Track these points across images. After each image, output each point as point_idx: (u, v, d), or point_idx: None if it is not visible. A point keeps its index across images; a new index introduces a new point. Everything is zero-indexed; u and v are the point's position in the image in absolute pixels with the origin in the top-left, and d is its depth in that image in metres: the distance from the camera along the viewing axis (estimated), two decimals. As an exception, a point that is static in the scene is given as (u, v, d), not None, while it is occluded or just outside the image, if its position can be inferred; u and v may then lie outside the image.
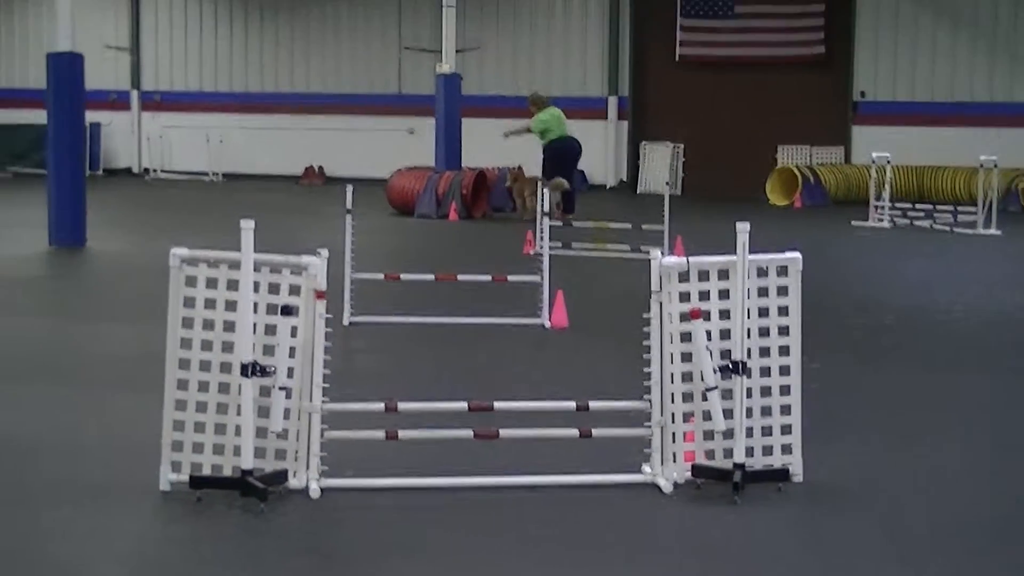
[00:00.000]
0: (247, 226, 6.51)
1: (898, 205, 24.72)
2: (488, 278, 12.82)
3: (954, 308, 13.85)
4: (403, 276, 12.91)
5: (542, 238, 13.22)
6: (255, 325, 6.64)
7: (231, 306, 6.68)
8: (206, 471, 6.68)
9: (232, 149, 36.85)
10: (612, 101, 34.97)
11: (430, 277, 13.04)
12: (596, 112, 34.88)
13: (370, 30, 36.65)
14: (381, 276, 12.74)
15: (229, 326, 6.69)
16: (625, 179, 35.03)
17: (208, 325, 6.76)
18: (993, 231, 22.38)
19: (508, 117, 34.51)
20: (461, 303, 13.11)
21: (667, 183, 20.08)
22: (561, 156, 22.87)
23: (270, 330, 6.68)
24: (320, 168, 36.33)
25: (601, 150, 34.82)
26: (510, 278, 12.95)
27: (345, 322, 11.92)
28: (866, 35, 33.14)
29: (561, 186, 21.96)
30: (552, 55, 35.39)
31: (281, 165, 36.67)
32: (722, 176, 33.44)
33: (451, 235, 21.89)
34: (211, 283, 6.75)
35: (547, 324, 12.23)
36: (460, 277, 12.81)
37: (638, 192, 33.99)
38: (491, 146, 31.71)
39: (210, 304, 6.76)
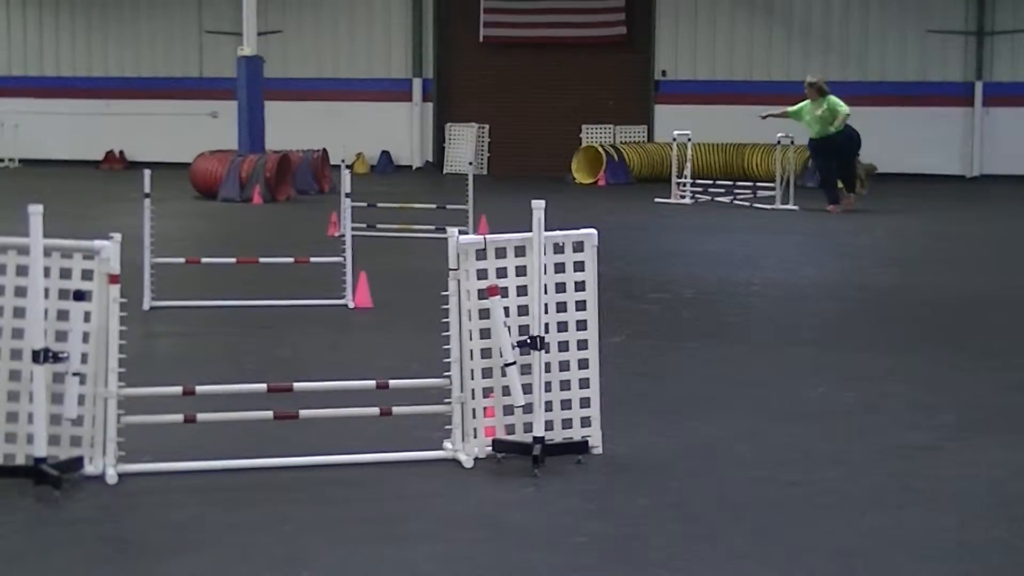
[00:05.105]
0: (35, 211, 6.38)
1: (699, 182, 25.18)
2: (291, 260, 12.74)
3: (752, 282, 14.16)
4: (204, 260, 12.77)
5: (344, 219, 13.17)
6: (46, 311, 6.51)
7: (21, 292, 6.54)
8: (-3, 461, 6.54)
9: (29, 134, 35.81)
10: (417, 83, 35.00)
11: (232, 260, 12.91)
12: (401, 94, 34.93)
13: (170, 13, 36.07)
14: (182, 260, 12.60)
15: (19, 313, 6.54)
16: (431, 160, 35.08)
17: (-4, 312, 6.61)
18: (791, 207, 22.94)
19: (312, 100, 34.52)
20: (264, 286, 13.01)
21: (470, 163, 20.09)
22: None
23: (62, 316, 6.55)
24: (121, 153, 35.71)
25: (407, 132, 34.93)
26: (312, 259, 12.89)
27: (146, 307, 11.75)
28: (666, 16, 33.69)
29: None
30: (356, 37, 35.25)
31: (80, 150, 35.90)
32: (528, 156, 33.77)
33: (255, 218, 21.69)
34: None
35: (351, 305, 12.21)
36: (262, 260, 12.71)
37: (444, 173, 34.05)
38: (294, 129, 31.59)
39: (-2, 291, 6.61)
